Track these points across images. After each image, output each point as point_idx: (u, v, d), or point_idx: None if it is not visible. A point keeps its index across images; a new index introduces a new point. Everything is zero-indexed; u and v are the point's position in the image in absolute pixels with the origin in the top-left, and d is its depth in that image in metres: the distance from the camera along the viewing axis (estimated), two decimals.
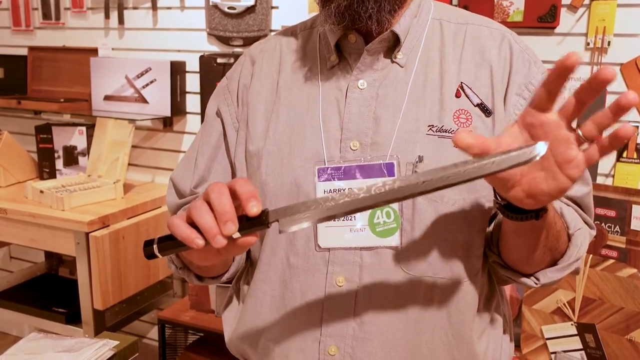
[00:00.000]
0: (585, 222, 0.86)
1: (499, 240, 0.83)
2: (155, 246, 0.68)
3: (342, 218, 0.81)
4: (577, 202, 0.86)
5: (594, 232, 0.88)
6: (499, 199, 0.71)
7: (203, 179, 0.97)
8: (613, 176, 1.74)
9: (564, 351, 1.68)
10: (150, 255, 0.69)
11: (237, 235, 0.65)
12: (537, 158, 0.61)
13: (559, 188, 0.63)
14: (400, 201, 0.64)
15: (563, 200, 0.85)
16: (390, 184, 0.64)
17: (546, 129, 0.63)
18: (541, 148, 0.61)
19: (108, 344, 1.05)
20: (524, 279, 0.83)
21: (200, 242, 0.64)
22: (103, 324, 1.99)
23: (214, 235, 0.63)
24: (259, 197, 0.65)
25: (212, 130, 0.98)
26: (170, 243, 0.68)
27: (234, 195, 0.66)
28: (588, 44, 1.71)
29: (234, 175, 0.95)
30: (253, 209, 0.64)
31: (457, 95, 0.83)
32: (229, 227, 0.63)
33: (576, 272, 0.84)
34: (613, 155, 1.73)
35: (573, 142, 0.62)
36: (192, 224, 0.65)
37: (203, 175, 0.97)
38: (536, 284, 0.82)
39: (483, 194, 0.82)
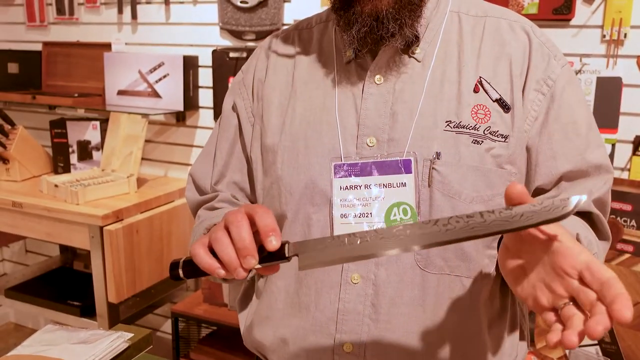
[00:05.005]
0: (600, 232, 0.84)
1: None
2: (180, 270, 0.72)
3: (359, 214, 0.81)
4: (595, 202, 0.84)
5: (607, 245, 0.86)
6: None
7: (222, 175, 0.98)
8: (629, 170, 1.72)
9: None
10: (176, 278, 0.73)
11: (258, 266, 0.67)
12: (572, 214, 0.58)
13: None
14: (423, 248, 0.63)
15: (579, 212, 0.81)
16: (412, 229, 0.62)
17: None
18: (575, 202, 0.57)
19: (123, 336, 1.05)
20: None
21: (222, 272, 0.68)
22: (117, 317, 2.01)
23: (234, 268, 0.66)
24: (278, 230, 0.67)
25: (229, 125, 0.98)
26: (194, 269, 0.71)
27: (253, 223, 0.67)
28: (604, 36, 1.69)
29: (250, 169, 0.95)
30: (272, 243, 0.66)
31: (476, 90, 0.81)
32: (249, 261, 0.66)
33: None
34: (629, 148, 1.71)
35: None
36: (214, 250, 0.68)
37: (222, 172, 0.98)
38: None
39: (500, 190, 0.80)
